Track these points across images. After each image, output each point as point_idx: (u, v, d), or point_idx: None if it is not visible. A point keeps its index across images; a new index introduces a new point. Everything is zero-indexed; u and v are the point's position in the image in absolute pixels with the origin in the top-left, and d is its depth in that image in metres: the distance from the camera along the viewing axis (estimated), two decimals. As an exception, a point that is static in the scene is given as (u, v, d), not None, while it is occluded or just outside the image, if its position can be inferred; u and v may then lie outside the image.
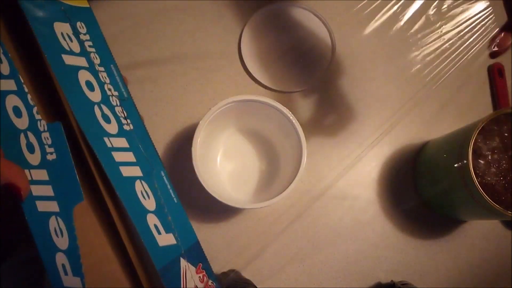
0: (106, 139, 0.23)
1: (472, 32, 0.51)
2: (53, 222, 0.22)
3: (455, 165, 0.37)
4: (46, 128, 0.22)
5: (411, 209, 0.46)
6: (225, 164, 0.44)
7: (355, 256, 0.44)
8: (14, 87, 0.22)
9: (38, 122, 0.22)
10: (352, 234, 0.45)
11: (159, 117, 0.45)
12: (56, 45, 0.22)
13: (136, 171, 0.24)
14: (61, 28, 0.23)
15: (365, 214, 0.45)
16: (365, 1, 0.50)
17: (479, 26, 0.51)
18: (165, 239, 0.23)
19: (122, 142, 0.24)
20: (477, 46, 0.51)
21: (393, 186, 0.46)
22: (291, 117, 0.38)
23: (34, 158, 0.22)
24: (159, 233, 0.23)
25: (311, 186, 0.45)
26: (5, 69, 0.22)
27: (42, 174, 0.22)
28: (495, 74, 0.49)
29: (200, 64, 0.47)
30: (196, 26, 0.48)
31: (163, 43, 0.47)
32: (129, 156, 0.24)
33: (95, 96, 0.24)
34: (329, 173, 0.46)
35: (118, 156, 0.23)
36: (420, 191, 0.46)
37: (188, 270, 0.24)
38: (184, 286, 0.23)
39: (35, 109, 0.22)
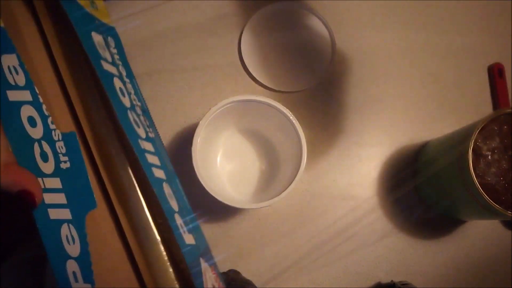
0: (140, 141, 0.24)
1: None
2: (65, 230, 0.23)
3: (455, 165, 0.37)
4: (60, 138, 0.23)
5: (411, 209, 0.46)
6: (225, 164, 0.44)
7: (355, 256, 0.44)
8: (30, 98, 0.23)
9: (53, 132, 0.23)
10: (352, 234, 0.45)
11: (159, 117, 0.45)
12: (95, 52, 0.24)
13: (162, 174, 0.25)
14: (97, 38, 0.25)
15: (365, 214, 0.45)
16: (365, 1, 0.50)
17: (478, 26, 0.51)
18: (188, 239, 0.24)
19: (150, 146, 0.25)
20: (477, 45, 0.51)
21: (393, 186, 0.46)
22: (291, 117, 0.38)
23: (47, 167, 0.23)
24: (184, 232, 0.24)
25: (311, 186, 0.45)
26: (21, 80, 0.23)
27: (55, 183, 0.23)
28: (495, 74, 0.49)
29: (200, 64, 0.47)
30: (196, 26, 0.48)
31: (162, 43, 0.47)
32: (156, 160, 0.25)
33: (126, 102, 0.25)
34: (329, 173, 0.46)
35: (150, 158, 0.24)
36: (420, 191, 0.46)
37: (207, 269, 0.25)
38: (206, 285, 0.24)
39: (50, 119, 0.23)
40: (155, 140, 0.26)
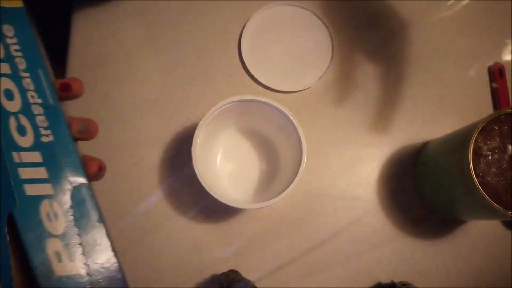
0: (15, 153, 0.22)
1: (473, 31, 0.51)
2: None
3: (456, 165, 0.37)
4: None
5: (411, 209, 0.46)
6: (225, 164, 0.44)
7: (355, 256, 0.44)
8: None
9: None
10: (352, 234, 0.45)
11: (159, 117, 0.45)
12: None
13: (47, 189, 0.23)
14: None
15: (365, 214, 0.45)
16: (364, 1, 0.50)
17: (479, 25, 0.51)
18: (68, 268, 0.22)
19: (34, 157, 0.23)
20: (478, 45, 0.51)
21: (393, 186, 0.46)
22: (291, 117, 0.38)
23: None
24: (59, 260, 0.22)
25: (311, 186, 0.45)
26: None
27: None
28: (495, 74, 0.49)
29: (200, 64, 0.47)
30: (196, 26, 0.48)
31: (163, 43, 0.47)
32: (41, 172, 0.23)
33: (13, 105, 0.23)
34: (329, 173, 0.46)
35: (26, 173, 0.22)
36: (420, 191, 0.46)
37: None
38: None
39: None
40: (51, 146, 0.24)
